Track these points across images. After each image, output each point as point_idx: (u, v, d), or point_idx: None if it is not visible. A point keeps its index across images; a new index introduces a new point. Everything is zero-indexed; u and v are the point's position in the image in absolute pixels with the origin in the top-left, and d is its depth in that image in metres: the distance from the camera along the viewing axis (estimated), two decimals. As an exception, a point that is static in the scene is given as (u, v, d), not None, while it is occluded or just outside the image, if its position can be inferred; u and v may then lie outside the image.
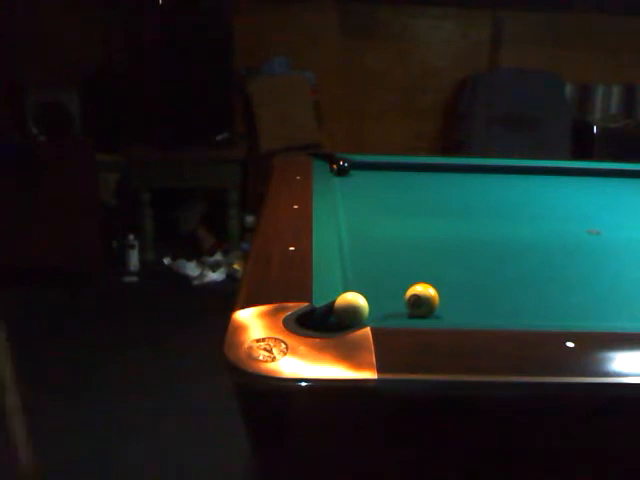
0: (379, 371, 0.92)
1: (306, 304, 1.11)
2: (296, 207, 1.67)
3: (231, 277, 3.70)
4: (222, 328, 1.05)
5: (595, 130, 4.28)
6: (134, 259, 3.75)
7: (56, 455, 2.17)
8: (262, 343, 0.98)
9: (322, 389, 0.93)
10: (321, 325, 1.07)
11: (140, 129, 3.86)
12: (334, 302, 1.11)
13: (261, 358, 0.94)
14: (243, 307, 1.10)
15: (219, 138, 3.94)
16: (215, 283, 3.67)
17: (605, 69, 4.44)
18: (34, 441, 1.88)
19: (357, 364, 0.94)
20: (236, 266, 3.75)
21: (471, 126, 4.25)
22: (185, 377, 2.65)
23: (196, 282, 3.67)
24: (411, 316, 1.16)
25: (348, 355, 0.96)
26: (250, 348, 0.97)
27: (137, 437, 2.27)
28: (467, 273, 1.43)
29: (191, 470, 2.15)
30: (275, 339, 0.99)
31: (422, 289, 1.16)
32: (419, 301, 1.16)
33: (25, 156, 3.46)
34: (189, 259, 3.83)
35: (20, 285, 3.34)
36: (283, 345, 0.97)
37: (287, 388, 0.92)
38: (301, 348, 0.97)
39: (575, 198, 2.07)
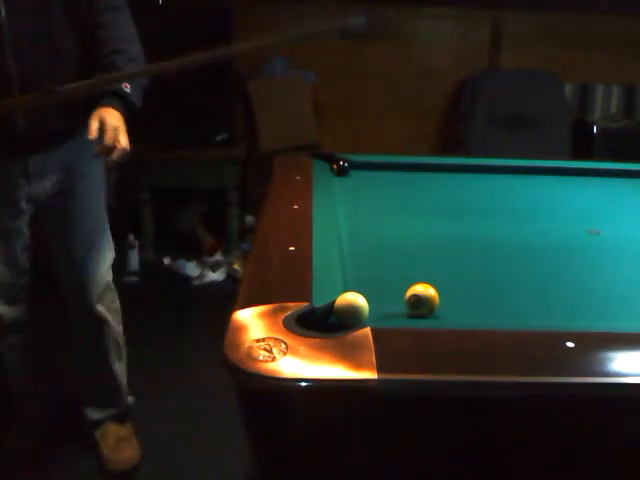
0: (379, 371, 0.92)
1: (306, 304, 1.11)
2: (296, 207, 1.67)
3: (231, 277, 3.70)
4: (222, 328, 1.05)
5: (595, 130, 4.27)
6: (134, 259, 3.75)
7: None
8: (262, 343, 0.98)
9: (322, 389, 0.93)
10: (321, 325, 1.07)
11: (140, 129, 3.86)
12: (334, 302, 1.11)
13: (261, 358, 0.94)
14: (243, 307, 1.10)
15: (219, 138, 3.94)
16: (215, 283, 3.67)
17: (605, 69, 4.43)
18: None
19: (357, 364, 0.94)
20: (236, 266, 3.75)
21: (471, 126, 4.25)
22: (185, 377, 2.65)
23: (196, 282, 3.67)
24: (411, 316, 1.16)
25: (348, 355, 0.96)
26: (250, 348, 0.97)
27: (136, 436, 2.27)
28: (467, 273, 1.44)
29: (191, 470, 2.15)
30: (275, 339, 0.99)
31: (422, 289, 1.16)
32: (419, 301, 1.16)
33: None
34: (189, 259, 3.83)
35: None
36: (283, 345, 0.97)
37: (287, 388, 0.92)
38: (301, 348, 0.97)
39: (575, 198, 2.07)
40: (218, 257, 3.88)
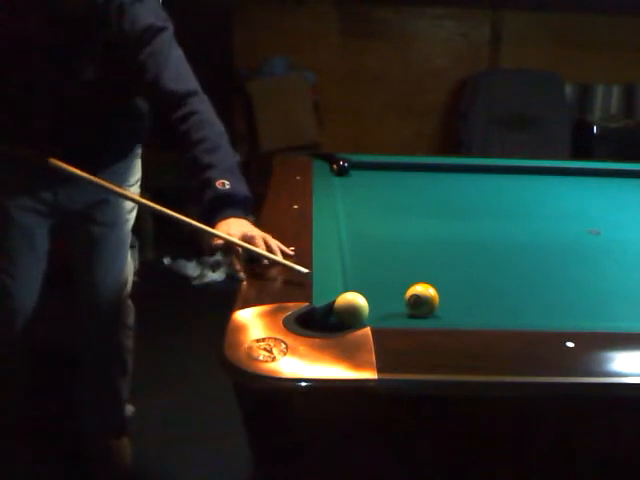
0: (379, 371, 0.92)
1: (306, 304, 1.11)
2: (296, 207, 1.67)
3: (231, 277, 3.70)
4: (222, 328, 1.05)
5: (595, 130, 4.28)
6: (134, 259, 3.75)
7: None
8: (262, 343, 0.98)
9: (322, 389, 0.93)
10: (321, 325, 1.07)
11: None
12: (334, 302, 1.11)
13: (261, 358, 0.94)
14: (243, 307, 1.10)
15: (219, 138, 3.94)
16: (215, 283, 3.67)
17: (605, 69, 4.43)
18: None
19: (357, 364, 0.94)
20: (236, 266, 3.75)
21: (471, 126, 4.25)
22: (185, 377, 2.65)
23: (196, 282, 3.67)
24: (411, 316, 1.16)
25: (348, 355, 0.96)
26: (250, 348, 0.97)
27: (136, 436, 2.27)
28: (467, 273, 1.43)
29: (191, 470, 2.15)
30: (275, 339, 0.99)
31: (422, 289, 1.16)
32: (419, 301, 1.16)
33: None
34: (189, 259, 3.83)
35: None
36: (283, 345, 0.97)
37: (287, 388, 0.92)
38: (301, 348, 0.97)
39: (575, 198, 2.07)
40: (218, 257, 3.88)
